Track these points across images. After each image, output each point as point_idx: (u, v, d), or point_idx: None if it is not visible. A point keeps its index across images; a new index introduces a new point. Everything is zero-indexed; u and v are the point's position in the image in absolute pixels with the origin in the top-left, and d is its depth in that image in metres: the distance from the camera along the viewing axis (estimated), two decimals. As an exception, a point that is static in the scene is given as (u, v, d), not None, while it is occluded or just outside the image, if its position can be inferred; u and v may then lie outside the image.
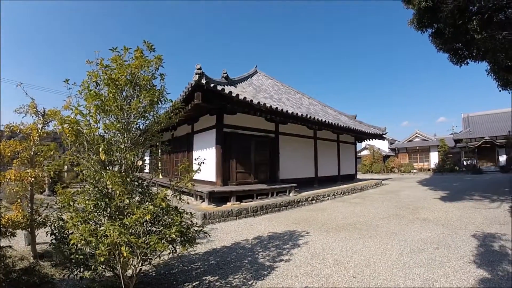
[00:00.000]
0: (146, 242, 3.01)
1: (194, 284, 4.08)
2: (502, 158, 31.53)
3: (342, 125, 15.91)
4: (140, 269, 3.36)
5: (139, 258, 3.12)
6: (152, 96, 3.55)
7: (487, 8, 9.69)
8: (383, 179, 24.31)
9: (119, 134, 3.45)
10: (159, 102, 3.83)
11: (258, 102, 10.30)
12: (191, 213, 4.00)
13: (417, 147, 41.06)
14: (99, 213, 3.26)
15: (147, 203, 3.37)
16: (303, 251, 5.54)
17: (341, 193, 14.22)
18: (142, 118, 3.75)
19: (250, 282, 4.08)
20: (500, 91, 12.59)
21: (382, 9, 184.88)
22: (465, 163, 33.43)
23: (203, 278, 4.29)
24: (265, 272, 4.44)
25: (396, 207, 10.44)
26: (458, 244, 5.76)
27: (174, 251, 3.66)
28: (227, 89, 9.61)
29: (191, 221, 3.86)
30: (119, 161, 3.39)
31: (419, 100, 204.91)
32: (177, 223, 3.29)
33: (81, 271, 3.21)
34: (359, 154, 38.57)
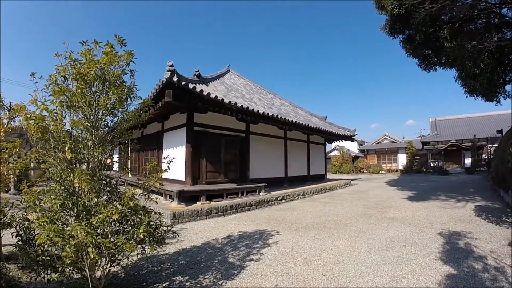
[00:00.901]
0: (114, 242, 2.93)
1: (164, 285, 4.01)
2: (468, 160, 33.46)
3: (312, 126, 16.18)
4: (109, 270, 3.26)
5: (107, 259, 3.04)
6: (121, 93, 3.46)
7: (458, 18, 10.16)
8: (352, 179, 24.98)
9: (86, 131, 3.34)
10: (129, 99, 3.73)
11: (229, 102, 10.28)
12: (159, 212, 3.91)
13: (386, 149, 42.56)
14: (66, 213, 3.13)
15: (115, 202, 3.28)
16: (273, 250, 5.57)
17: (310, 192, 14.45)
18: (111, 115, 3.62)
19: (220, 282, 4.06)
20: (467, 97, 13.33)
21: (354, 14, 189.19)
22: (432, 165, 35.11)
23: (173, 278, 4.22)
24: (235, 272, 4.44)
25: (364, 207, 10.72)
26: (425, 242, 5.96)
27: (143, 251, 3.57)
28: (199, 87, 9.51)
29: (160, 220, 3.78)
30: (87, 159, 3.27)
31: (389, 103, 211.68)
32: (145, 223, 3.22)
33: (48, 273, 3.05)
34: (328, 154, 39.52)
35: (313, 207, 10.78)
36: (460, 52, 10.35)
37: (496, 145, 22.93)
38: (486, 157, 30.50)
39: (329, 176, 26.22)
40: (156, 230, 3.57)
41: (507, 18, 10.41)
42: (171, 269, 4.61)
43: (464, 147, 33.06)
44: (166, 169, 3.92)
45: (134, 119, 3.81)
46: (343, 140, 23.20)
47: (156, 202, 3.95)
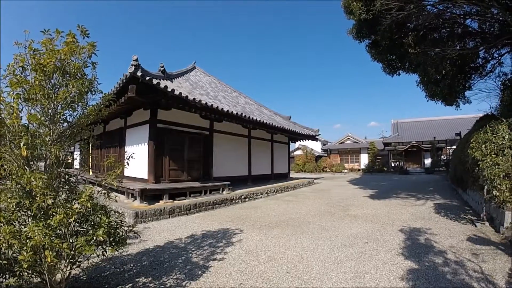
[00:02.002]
0: (73, 244, 2.78)
1: (127, 286, 3.87)
2: (427, 161, 35.31)
3: (276, 125, 16.34)
4: (69, 273, 3.10)
5: (67, 262, 2.87)
6: (82, 86, 3.30)
7: (423, 26, 10.63)
8: (315, 178, 25.51)
9: (44, 126, 3.14)
10: (90, 93, 3.57)
11: (194, 99, 10.14)
12: (119, 212, 3.77)
13: (349, 149, 44.00)
14: (23, 213, 2.93)
15: (74, 201, 3.12)
16: (237, 248, 5.57)
17: (274, 191, 14.60)
18: (70, 109, 3.44)
19: (184, 283, 3.99)
20: (427, 101, 14.09)
21: (322, 17, 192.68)
22: (393, 165, 36.72)
23: (136, 279, 4.09)
24: (199, 272, 4.38)
25: (327, 205, 10.95)
26: (387, 238, 6.19)
27: (104, 253, 3.43)
28: (163, 83, 9.28)
29: (121, 220, 3.65)
30: (44, 156, 3.08)
31: (353, 105, 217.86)
32: (104, 224, 3.09)
33: (6, 278, 2.84)
34: (292, 153, 40.06)
35: (276, 206, 10.88)
36: (423, 59, 10.88)
37: (454, 147, 24.52)
38: (445, 158, 32.48)
39: (292, 175, 26.59)
40: (117, 230, 3.45)
41: (470, 29, 11.06)
42: (134, 270, 4.47)
43: (424, 148, 34.91)
44: (125, 166, 3.79)
45: (94, 114, 3.64)
46: (307, 140, 23.59)
47: (116, 201, 3.78)
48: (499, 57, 12.43)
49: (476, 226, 6.94)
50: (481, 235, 6.22)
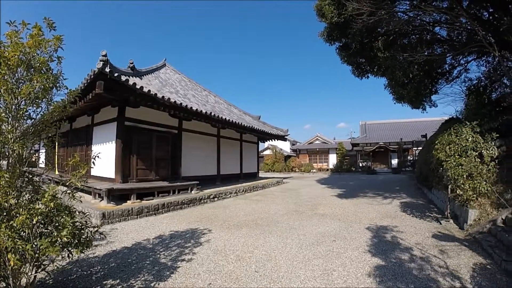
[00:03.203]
0: (37, 246, 2.66)
1: (94, 289, 3.77)
2: (394, 161, 36.59)
3: (246, 125, 16.40)
4: (35, 277, 2.97)
5: (32, 265, 2.75)
6: (46, 81, 3.17)
7: (394, 32, 10.95)
8: (284, 178, 25.82)
9: (6, 123, 2.99)
10: (55, 88, 3.44)
11: (163, 97, 9.99)
12: (83, 212, 3.66)
13: (317, 149, 44.69)
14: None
15: (38, 202, 2.99)
16: (205, 248, 5.56)
17: (243, 190, 14.66)
18: (34, 106, 3.31)
19: (152, 284, 3.95)
20: (395, 103, 14.55)
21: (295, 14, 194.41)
22: (361, 165, 37.62)
23: (104, 282, 3.99)
24: (168, 273, 4.35)
25: (296, 204, 11.11)
26: (354, 236, 6.36)
27: (69, 255, 3.31)
28: (132, 80, 9.04)
29: (86, 221, 3.54)
30: (7, 154, 2.94)
31: (322, 106, 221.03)
32: (68, 225, 2.99)
33: None
34: (261, 153, 40.35)
35: (245, 205, 10.94)
36: (392, 63, 11.24)
37: (420, 148, 25.60)
38: (411, 159, 33.88)
39: (261, 174, 26.77)
40: (82, 232, 3.35)
41: (439, 36, 11.56)
42: (102, 273, 4.35)
43: (391, 149, 36.12)
44: (90, 166, 3.68)
45: (59, 111, 3.51)
46: (276, 140, 23.83)
47: (81, 201, 3.66)
48: (466, 64, 13.12)
49: (441, 223, 7.29)
50: (445, 232, 6.53)
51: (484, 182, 6.48)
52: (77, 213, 3.42)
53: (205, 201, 11.34)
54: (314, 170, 40.63)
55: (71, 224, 3.05)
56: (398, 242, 5.80)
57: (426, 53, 10.54)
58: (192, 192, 11.77)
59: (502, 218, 5.82)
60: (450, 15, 9.01)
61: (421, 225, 7.24)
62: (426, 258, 4.84)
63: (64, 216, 3.09)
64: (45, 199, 2.86)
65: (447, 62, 13.06)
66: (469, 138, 7.04)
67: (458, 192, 6.81)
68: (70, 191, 3.44)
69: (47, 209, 2.87)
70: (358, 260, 4.85)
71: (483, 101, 10.82)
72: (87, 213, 3.74)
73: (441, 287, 3.80)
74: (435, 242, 5.74)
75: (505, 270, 4.19)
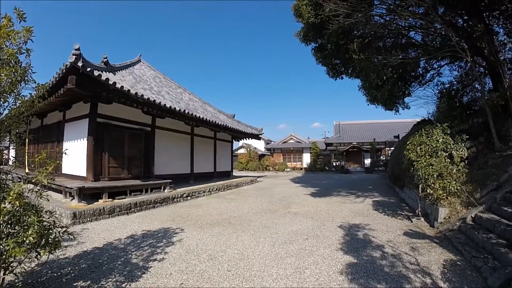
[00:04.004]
0: (4, 247, 2.55)
1: (64, 291, 3.66)
2: (367, 161, 37.50)
3: (220, 123, 16.35)
4: (3, 279, 2.85)
5: (0, 267, 2.63)
6: (15, 74, 3.05)
7: (369, 35, 11.18)
8: (258, 177, 25.88)
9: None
10: (23, 82, 3.31)
11: (136, 93, 9.79)
12: (50, 211, 3.55)
13: (292, 148, 45.10)
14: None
15: (4, 201, 2.86)
16: (178, 248, 5.53)
17: (216, 189, 14.60)
18: (1, 100, 3.17)
19: (123, 285, 3.89)
20: (368, 104, 14.99)
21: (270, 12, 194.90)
22: (334, 164, 38.38)
23: (74, 284, 3.89)
24: (139, 273, 4.29)
25: (269, 203, 11.18)
26: (326, 234, 6.45)
27: (38, 256, 3.19)
28: (105, 75, 8.83)
29: (54, 221, 3.43)
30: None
31: (297, 106, 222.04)
32: (34, 224, 2.88)
33: None
34: (235, 152, 40.37)
35: (219, 204, 10.91)
36: (366, 65, 11.53)
37: (393, 148, 26.31)
38: (384, 159, 34.79)
39: (235, 173, 26.72)
40: (50, 231, 3.24)
41: (413, 40, 11.95)
42: (72, 274, 4.23)
43: (364, 149, 37.04)
44: (57, 162, 3.56)
45: (27, 105, 3.38)
46: (250, 138, 23.87)
47: (48, 200, 3.54)
48: (439, 68, 13.77)
49: (412, 221, 7.55)
50: (417, 229, 6.75)
51: (454, 182, 6.80)
52: (45, 213, 3.31)
53: (178, 200, 11.22)
54: (288, 169, 41.06)
55: (38, 224, 2.96)
56: (370, 240, 5.94)
57: (400, 56, 10.91)
58: (165, 190, 11.61)
59: (471, 216, 6.14)
60: (425, 20, 9.38)
61: (392, 223, 7.43)
62: (397, 255, 4.98)
63: (31, 216, 2.98)
64: (11, 198, 2.76)
65: (421, 66, 13.61)
66: (439, 139, 7.34)
67: (428, 191, 7.09)
68: (37, 190, 3.32)
69: (13, 208, 2.76)
70: (330, 258, 4.94)
71: (454, 104, 11.32)
72: (54, 212, 3.62)
73: (413, 283, 3.91)
74: (406, 240, 5.90)
75: (474, 266, 4.36)
